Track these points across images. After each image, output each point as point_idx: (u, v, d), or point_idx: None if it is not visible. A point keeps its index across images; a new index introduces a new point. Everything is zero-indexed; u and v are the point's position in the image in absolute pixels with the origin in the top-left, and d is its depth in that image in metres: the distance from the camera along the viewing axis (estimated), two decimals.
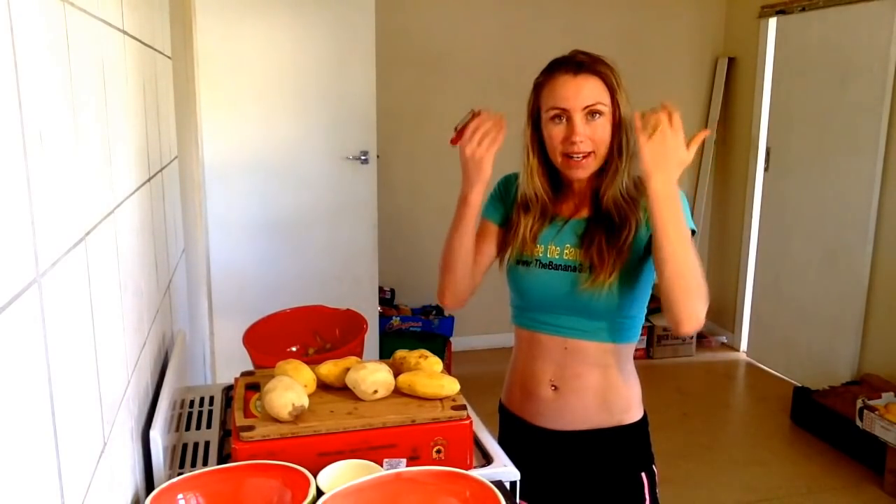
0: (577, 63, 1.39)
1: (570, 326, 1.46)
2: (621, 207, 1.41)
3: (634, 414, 1.51)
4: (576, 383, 1.47)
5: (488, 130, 1.38)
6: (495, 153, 1.39)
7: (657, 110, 1.29)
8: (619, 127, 1.39)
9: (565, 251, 1.45)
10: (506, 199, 1.55)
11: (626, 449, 1.51)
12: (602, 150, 1.40)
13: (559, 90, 1.38)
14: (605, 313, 1.43)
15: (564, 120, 1.38)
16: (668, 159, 1.28)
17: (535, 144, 1.46)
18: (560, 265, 1.45)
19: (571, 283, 1.43)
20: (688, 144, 1.30)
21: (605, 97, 1.38)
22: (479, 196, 1.42)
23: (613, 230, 1.41)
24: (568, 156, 1.39)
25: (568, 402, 1.48)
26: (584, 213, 1.47)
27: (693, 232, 1.37)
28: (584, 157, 1.38)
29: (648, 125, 1.28)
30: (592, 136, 1.38)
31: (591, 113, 1.37)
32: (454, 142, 1.44)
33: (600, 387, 1.47)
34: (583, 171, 1.41)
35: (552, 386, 1.49)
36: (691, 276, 1.30)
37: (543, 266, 1.46)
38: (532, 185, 1.47)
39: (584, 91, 1.37)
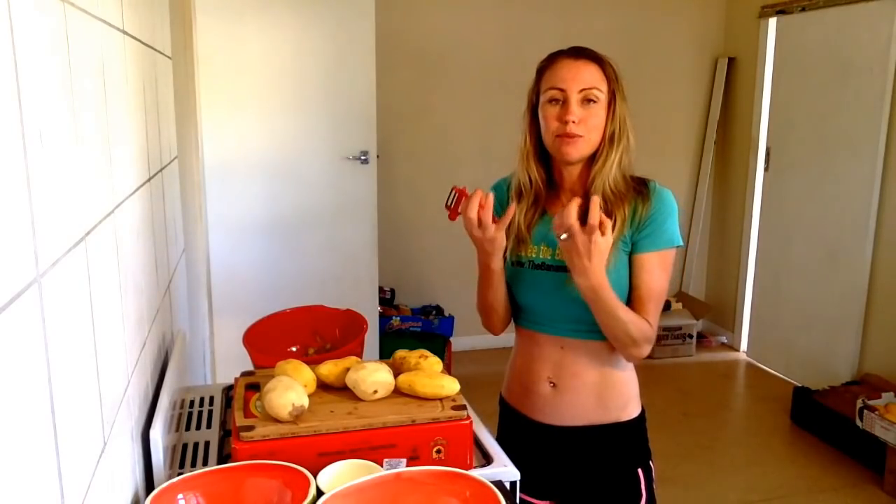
0: (578, 49, 1.45)
1: (565, 326, 1.48)
2: (609, 199, 1.43)
3: (632, 410, 1.53)
4: (574, 381, 1.49)
5: (486, 203, 1.37)
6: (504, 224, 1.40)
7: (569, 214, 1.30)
8: (613, 116, 1.42)
9: (557, 252, 1.46)
10: (499, 207, 1.56)
11: (623, 445, 1.53)
12: (594, 135, 1.42)
13: (559, 71, 1.42)
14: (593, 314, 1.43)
15: (561, 102, 1.41)
16: (583, 259, 1.31)
17: (532, 129, 1.49)
18: (552, 266, 1.47)
19: (563, 284, 1.44)
20: (604, 226, 1.30)
21: (601, 84, 1.41)
22: (500, 262, 1.46)
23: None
24: (560, 135, 1.41)
25: (566, 398, 1.50)
26: None
27: (678, 247, 1.45)
28: (574, 137, 1.41)
29: (560, 229, 1.31)
30: (586, 121, 1.40)
31: (587, 98, 1.40)
32: (453, 217, 1.43)
33: (598, 384, 1.49)
34: (574, 151, 1.42)
35: (550, 383, 1.50)
36: (620, 335, 1.40)
37: (536, 267, 1.48)
38: (527, 168, 1.50)
39: (582, 73, 1.41)
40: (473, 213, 1.36)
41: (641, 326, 1.40)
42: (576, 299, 1.42)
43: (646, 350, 1.43)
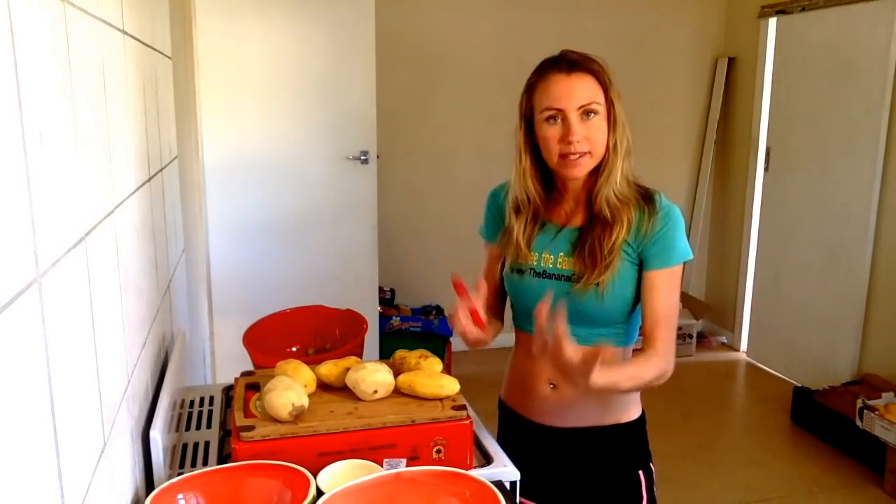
0: (570, 62, 1.38)
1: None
2: (614, 207, 1.41)
3: (632, 413, 1.52)
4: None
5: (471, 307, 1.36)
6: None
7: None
8: (614, 125, 1.39)
9: (559, 260, 1.45)
10: (499, 214, 1.56)
11: (623, 447, 1.52)
12: (599, 149, 1.39)
13: (553, 90, 1.37)
14: (600, 321, 1.43)
15: (560, 120, 1.37)
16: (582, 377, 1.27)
17: (528, 146, 1.44)
18: (553, 274, 1.45)
19: (565, 292, 1.42)
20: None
21: (598, 95, 1.37)
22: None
23: (605, 231, 1.41)
24: (564, 156, 1.38)
25: (566, 400, 1.49)
26: (578, 221, 1.47)
27: (687, 260, 1.46)
28: (580, 156, 1.38)
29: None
30: (588, 136, 1.37)
31: (587, 112, 1.36)
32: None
33: None
34: (580, 170, 1.40)
35: (550, 385, 1.50)
36: (644, 389, 1.42)
37: (537, 275, 1.46)
38: (524, 187, 1.46)
39: (578, 90, 1.36)
40: (461, 320, 1.35)
41: (652, 366, 1.38)
42: (577, 307, 1.41)
43: (670, 371, 1.41)
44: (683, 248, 1.43)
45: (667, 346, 1.41)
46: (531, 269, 1.47)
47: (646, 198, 1.43)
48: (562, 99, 1.36)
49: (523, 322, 1.54)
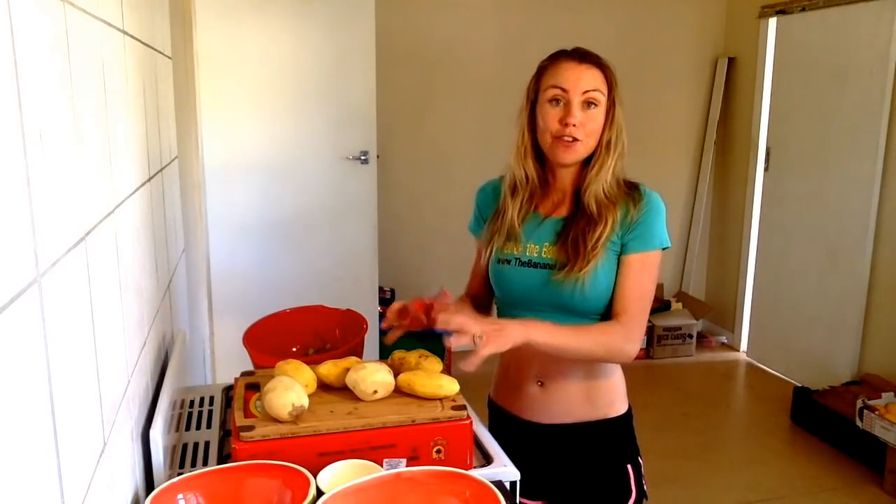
0: (582, 53, 1.45)
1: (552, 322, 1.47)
2: (601, 204, 1.44)
3: (619, 407, 1.54)
4: (561, 379, 1.51)
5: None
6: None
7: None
8: (611, 123, 1.43)
9: (544, 249, 1.48)
10: (488, 209, 1.59)
11: (611, 441, 1.55)
12: (591, 141, 1.43)
13: (562, 72, 1.42)
14: (584, 311, 1.45)
15: (562, 103, 1.42)
16: (499, 338, 1.32)
17: (529, 126, 1.49)
18: (538, 263, 1.47)
19: (548, 281, 1.45)
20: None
21: (603, 88, 1.43)
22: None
23: (590, 225, 1.43)
24: (559, 137, 1.42)
25: (554, 396, 1.52)
26: (563, 211, 1.50)
27: (665, 248, 1.45)
28: (573, 140, 1.42)
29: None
30: (585, 125, 1.41)
31: (588, 102, 1.41)
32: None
33: (584, 382, 1.50)
34: (570, 155, 1.43)
35: (538, 382, 1.52)
36: (591, 357, 1.44)
37: (522, 264, 1.49)
38: (524, 165, 1.50)
39: (585, 76, 1.41)
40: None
41: (608, 335, 1.39)
42: (562, 296, 1.43)
43: (630, 350, 1.41)
44: (662, 235, 1.45)
45: (632, 324, 1.41)
46: (517, 258, 1.49)
47: (630, 192, 1.47)
48: (569, 81, 1.41)
49: (508, 315, 1.55)
